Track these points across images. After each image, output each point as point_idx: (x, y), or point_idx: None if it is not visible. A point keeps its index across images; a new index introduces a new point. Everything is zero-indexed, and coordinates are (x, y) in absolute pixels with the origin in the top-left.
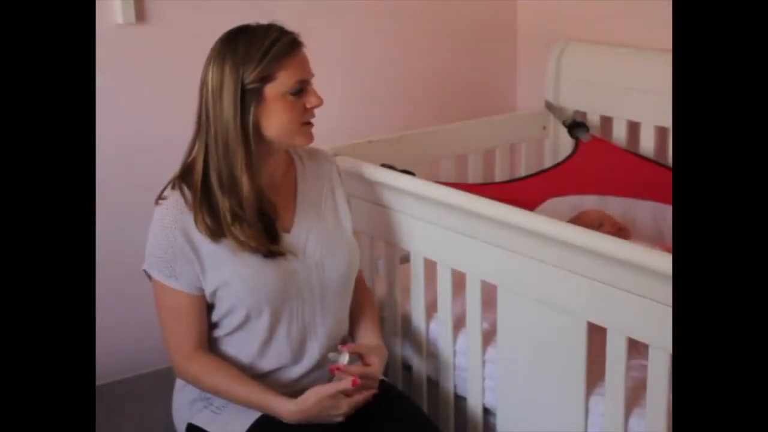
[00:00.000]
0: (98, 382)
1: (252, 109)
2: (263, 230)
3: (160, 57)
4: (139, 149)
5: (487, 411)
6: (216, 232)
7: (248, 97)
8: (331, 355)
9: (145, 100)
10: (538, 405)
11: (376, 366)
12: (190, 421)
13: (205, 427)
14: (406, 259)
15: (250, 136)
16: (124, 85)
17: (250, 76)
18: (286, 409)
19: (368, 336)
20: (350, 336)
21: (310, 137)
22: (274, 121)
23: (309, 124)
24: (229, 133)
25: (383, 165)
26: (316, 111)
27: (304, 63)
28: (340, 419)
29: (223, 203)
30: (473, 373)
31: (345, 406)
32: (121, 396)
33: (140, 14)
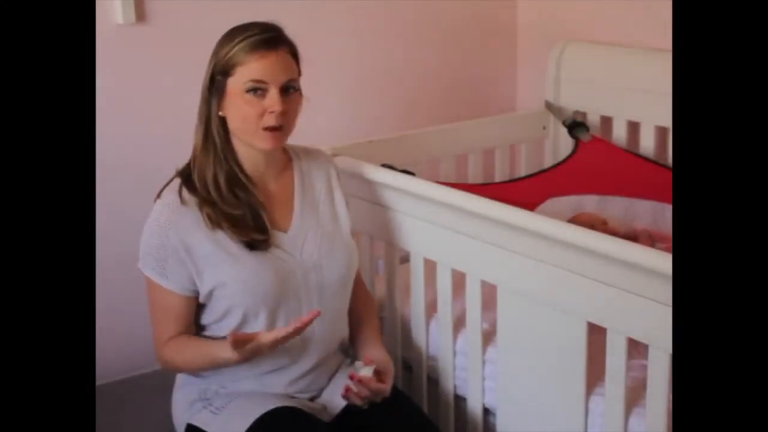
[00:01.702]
0: (98, 382)
1: (215, 100)
2: (246, 219)
3: (160, 57)
4: (138, 149)
5: (487, 411)
6: (217, 224)
7: (214, 88)
8: (358, 363)
9: (145, 100)
10: (538, 405)
11: (389, 385)
12: (190, 422)
13: (204, 428)
14: (406, 259)
15: (212, 124)
16: (124, 85)
17: (217, 69)
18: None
19: (375, 350)
20: (351, 343)
21: (270, 142)
22: (233, 116)
23: (273, 129)
24: (201, 122)
25: (383, 165)
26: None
27: (270, 65)
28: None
29: (208, 192)
30: (473, 373)
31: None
32: (121, 396)
33: (140, 14)
